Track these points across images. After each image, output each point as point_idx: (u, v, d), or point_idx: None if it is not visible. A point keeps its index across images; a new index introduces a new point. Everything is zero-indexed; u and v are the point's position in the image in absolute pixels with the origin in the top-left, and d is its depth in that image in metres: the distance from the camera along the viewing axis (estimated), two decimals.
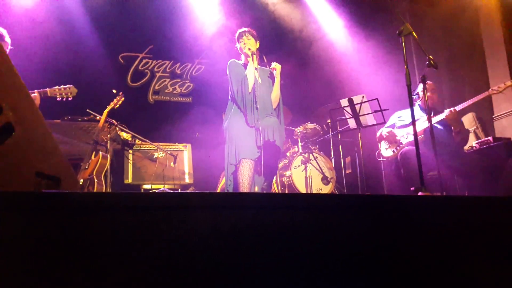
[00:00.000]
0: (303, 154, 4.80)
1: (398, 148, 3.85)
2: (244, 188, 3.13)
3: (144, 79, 5.99)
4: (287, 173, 4.75)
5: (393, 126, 4.00)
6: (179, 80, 6.15)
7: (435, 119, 3.64)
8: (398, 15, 3.00)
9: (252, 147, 3.20)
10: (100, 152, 3.97)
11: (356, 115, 3.82)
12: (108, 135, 4.17)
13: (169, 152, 4.72)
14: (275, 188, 4.64)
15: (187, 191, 4.86)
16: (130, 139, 4.44)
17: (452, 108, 3.60)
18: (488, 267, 1.35)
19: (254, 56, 3.35)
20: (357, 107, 3.78)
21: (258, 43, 3.47)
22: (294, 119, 5.44)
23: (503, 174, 3.18)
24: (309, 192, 4.61)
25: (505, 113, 4.67)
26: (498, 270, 1.36)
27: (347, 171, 5.55)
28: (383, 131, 4.00)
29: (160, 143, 4.84)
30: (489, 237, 1.39)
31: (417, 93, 3.82)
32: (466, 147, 3.97)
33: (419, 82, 3.35)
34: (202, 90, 6.01)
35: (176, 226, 1.09)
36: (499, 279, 1.35)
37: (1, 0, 4.66)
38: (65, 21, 5.20)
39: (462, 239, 1.37)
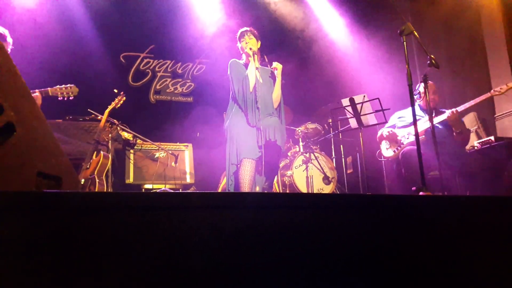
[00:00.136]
0: (304, 154, 4.79)
1: (399, 148, 3.84)
2: (245, 188, 3.13)
3: (145, 79, 5.99)
4: (288, 172, 4.75)
5: (393, 126, 3.99)
6: (180, 79, 6.16)
7: (436, 120, 3.64)
8: (399, 14, 3.00)
9: (253, 147, 3.20)
10: (102, 152, 3.97)
11: (357, 115, 3.81)
12: (110, 135, 4.17)
13: (170, 152, 4.72)
14: (276, 188, 4.64)
15: (188, 191, 4.86)
16: (131, 138, 4.44)
17: (454, 109, 3.59)
18: (489, 266, 1.35)
19: (256, 56, 3.35)
20: (358, 106, 3.78)
21: (259, 43, 3.47)
22: (295, 118, 5.43)
23: (504, 174, 3.17)
24: (310, 192, 4.61)
25: (506, 113, 4.66)
26: (499, 270, 1.36)
27: (348, 171, 5.55)
28: (384, 131, 4.00)
29: (161, 143, 4.85)
30: (491, 237, 1.39)
31: (419, 93, 3.82)
32: (467, 147, 3.97)
33: (420, 82, 3.35)
34: (203, 90, 6.01)
35: (177, 226, 1.09)
36: (500, 278, 1.34)
37: (3, 0, 4.66)
38: (66, 21, 5.21)
39: (463, 239, 1.37)
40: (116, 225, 1.05)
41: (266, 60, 3.43)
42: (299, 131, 5.02)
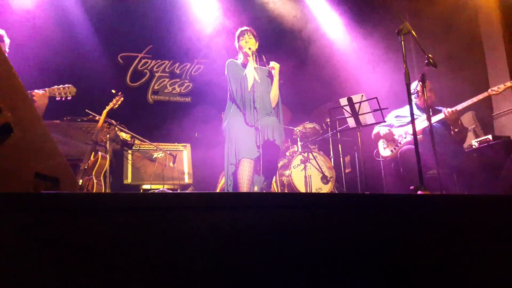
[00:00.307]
0: (303, 154, 4.80)
1: (396, 147, 3.85)
2: (244, 187, 3.13)
3: (143, 79, 5.98)
4: (287, 172, 4.75)
5: (390, 126, 3.99)
6: (178, 80, 6.15)
7: (434, 119, 3.64)
8: (397, 14, 3.00)
9: (251, 147, 3.20)
10: (99, 153, 3.96)
11: (355, 114, 3.81)
12: (107, 135, 4.16)
13: (168, 152, 4.71)
14: (275, 188, 4.64)
15: (187, 191, 4.86)
16: (129, 139, 4.43)
17: (452, 108, 3.59)
18: (488, 265, 1.35)
19: (254, 56, 3.35)
20: (357, 106, 3.78)
21: (257, 44, 3.48)
22: (293, 118, 5.43)
23: (502, 172, 3.18)
24: (308, 191, 4.61)
25: (504, 112, 4.67)
26: (498, 269, 1.36)
27: (347, 170, 5.55)
28: (381, 129, 4.00)
29: (160, 143, 4.84)
30: (489, 236, 1.39)
31: (416, 92, 3.82)
32: (465, 146, 3.97)
33: (419, 81, 3.35)
34: (201, 90, 6.00)
35: (175, 227, 1.09)
36: (499, 278, 1.35)
37: (0, 1, 4.65)
38: (63, 21, 5.19)
39: (461, 238, 1.37)
40: (114, 226, 1.05)
41: (264, 60, 3.43)
42: (297, 130, 5.02)
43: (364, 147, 3.94)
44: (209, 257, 1.09)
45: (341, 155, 5.21)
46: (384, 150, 3.99)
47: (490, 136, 3.84)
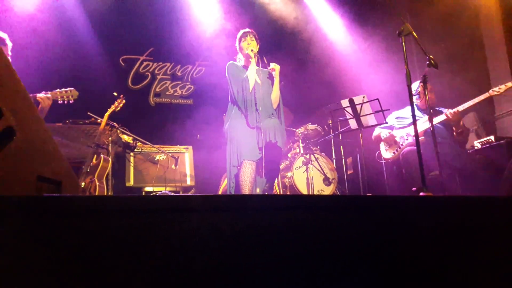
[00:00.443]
0: (305, 155, 4.79)
1: (398, 149, 3.84)
2: (246, 189, 3.12)
3: (145, 82, 5.99)
4: (289, 174, 4.75)
5: (391, 127, 3.99)
6: (180, 82, 6.16)
7: (436, 120, 3.63)
8: (398, 15, 3.00)
9: (253, 149, 3.20)
10: (102, 155, 3.97)
11: (357, 116, 3.81)
12: (110, 138, 4.17)
13: (170, 155, 4.72)
14: (277, 190, 4.63)
15: (189, 194, 4.86)
16: (131, 141, 4.44)
17: (454, 109, 3.58)
18: (490, 266, 1.35)
19: (256, 57, 3.36)
20: (358, 107, 3.77)
21: (258, 46, 3.48)
22: (295, 120, 5.43)
23: (505, 173, 3.17)
24: (310, 193, 4.60)
25: (507, 112, 4.66)
26: (500, 270, 1.35)
27: (349, 172, 5.54)
28: (382, 133, 3.99)
29: (161, 146, 4.85)
30: (491, 237, 1.39)
31: (418, 93, 3.82)
32: (467, 146, 3.96)
33: (420, 82, 3.35)
34: (203, 92, 6.01)
35: (177, 229, 1.09)
36: (500, 278, 1.34)
37: (2, 4, 4.67)
38: (65, 25, 5.22)
39: (463, 239, 1.37)
40: (116, 228, 1.05)
41: (266, 62, 3.43)
42: (299, 132, 5.02)
43: (366, 149, 3.94)
44: (211, 259, 1.09)
45: (343, 157, 5.20)
46: (386, 152, 3.99)
47: (492, 137, 3.83)
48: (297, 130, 5.04)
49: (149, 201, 1.11)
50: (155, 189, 4.78)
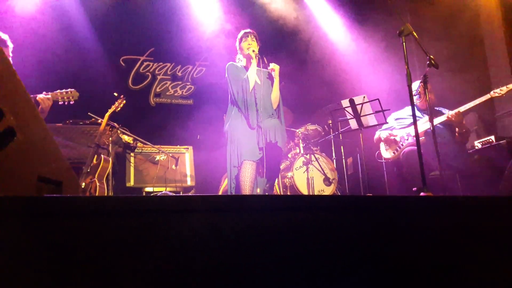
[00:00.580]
0: (305, 155, 4.79)
1: (398, 149, 3.84)
2: (246, 190, 3.13)
3: (145, 82, 6.00)
4: (289, 174, 4.75)
5: (391, 128, 3.99)
6: (180, 82, 6.16)
7: (437, 120, 3.63)
8: (398, 15, 3.00)
9: (254, 149, 3.20)
10: (102, 156, 3.97)
11: (357, 116, 3.81)
12: (110, 138, 4.17)
13: (170, 155, 4.72)
14: (277, 190, 4.63)
15: (189, 194, 4.86)
16: (131, 142, 4.44)
17: (456, 110, 3.57)
18: (491, 267, 1.35)
19: (257, 58, 3.36)
20: (358, 107, 3.77)
21: (258, 47, 3.49)
22: (295, 120, 5.43)
23: (505, 173, 3.17)
24: (310, 193, 4.60)
25: (507, 112, 4.66)
26: (500, 270, 1.35)
27: (349, 172, 5.54)
28: (382, 133, 3.99)
29: (162, 146, 4.85)
30: (492, 238, 1.39)
31: (418, 93, 3.82)
32: (468, 146, 3.96)
33: (420, 82, 3.35)
34: (203, 92, 6.01)
35: (178, 229, 1.09)
36: (501, 278, 1.34)
37: (3, 5, 4.68)
38: (66, 25, 5.22)
39: (464, 239, 1.37)
40: (117, 229, 1.05)
41: (266, 62, 3.44)
42: (299, 132, 5.02)
43: (366, 149, 3.94)
44: (211, 259, 1.09)
45: (343, 157, 5.20)
46: (386, 152, 3.99)
47: (492, 137, 3.82)
48: (297, 130, 5.04)
49: (149, 202, 1.11)
50: (156, 189, 4.78)
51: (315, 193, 4.63)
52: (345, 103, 3.86)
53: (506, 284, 1.33)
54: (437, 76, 4.41)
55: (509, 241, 1.38)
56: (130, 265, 1.03)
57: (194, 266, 1.08)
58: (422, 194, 2.45)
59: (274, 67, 3.43)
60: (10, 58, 2.87)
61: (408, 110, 3.99)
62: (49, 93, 3.14)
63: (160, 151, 4.74)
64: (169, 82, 6.11)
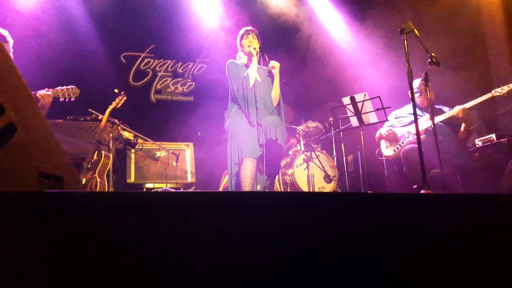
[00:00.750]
0: (305, 153, 4.79)
1: (399, 147, 3.84)
2: (246, 186, 3.13)
3: (146, 79, 5.99)
4: (289, 171, 4.75)
5: (391, 127, 3.99)
6: (181, 79, 6.16)
7: (439, 118, 3.62)
8: (399, 13, 2.99)
9: (254, 146, 3.21)
10: (103, 152, 3.98)
11: (358, 113, 3.81)
12: (110, 135, 4.18)
13: (171, 151, 4.72)
14: (278, 187, 4.64)
15: (189, 190, 4.86)
16: (132, 138, 4.44)
17: (462, 106, 3.55)
18: (491, 265, 1.35)
19: (258, 56, 3.36)
20: (359, 105, 3.77)
21: (259, 45, 3.48)
22: (296, 117, 5.43)
23: (506, 171, 3.16)
24: (311, 190, 4.61)
25: (508, 110, 4.65)
26: (501, 269, 1.35)
27: (349, 170, 5.55)
28: (382, 130, 3.99)
29: (162, 142, 4.85)
30: (493, 236, 1.39)
31: (419, 91, 3.81)
32: (468, 144, 3.96)
33: (422, 80, 3.34)
34: (204, 89, 6.01)
35: (178, 226, 1.09)
36: (501, 277, 1.34)
37: (4, 2, 4.67)
38: (66, 21, 5.21)
39: (464, 237, 1.37)
40: (117, 225, 1.05)
41: (267, 59, 3.43)
42: (300, 129, 5.02)
43: (367, 146, 3.94)
44: (210, 256, 1.10)
45: (344, 154, 5.20)
46: (387, 150, 3.99)
47: (493, 135, 3.82)
48: (298, 128, 5.04)
49: (149, 198, 1.11)
50: (156, 185, 4.79)
51: (316, 190, 4.64)
52: (346, 100, 3.85)
53: (506, 283, 1.33)
54: (438, 74, 4.40)
55: (509, 239, 1.38)
56: (130, 261, 1.03)
57: (194, 263, 1.08)
58: (422, 191, 2.45)
59: (275, 64, 3.43)
60: (10, 54, 2.87)
61: (408, 108, 3.99)
62: (50, 89, 3.14)
63: (161, 148, 4.74)
64: (169, 79, 6.10)
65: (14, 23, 4.56)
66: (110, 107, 4.14)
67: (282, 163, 4.83)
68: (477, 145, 3.92)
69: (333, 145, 5.27)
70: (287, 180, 4.78)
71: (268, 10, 5.86)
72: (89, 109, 4.18)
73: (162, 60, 6.07)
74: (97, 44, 5.41)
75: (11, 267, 0.94)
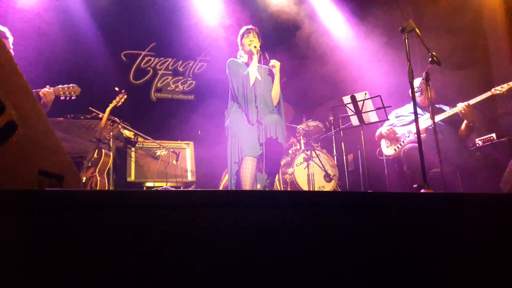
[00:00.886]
0: (306, 152, 4.79)
1: (399, 146, 3.84)
2: (247, 185, 3.13)
3: (146, 77, 5.99)
4: (290, 170, 4.75)
5: (392, 126, 3.98)
6: (181, 77, 6.16)
7: (440, 117, 3.62)
8: (401, 12, 2.98)
9: (254, 145, 3.21)
10: (103, 150, 3.98)
11: (358, 112, 3.80)
12: (111, 133, 4.18)
13: (171, 150, 4.72)
14: (277, 186, 4.64)
15: (190, 189, 4.87)
16: (132, 136, 4.45)
17: (466, 103, 3.55)
18: (491, 263, 1.35)
19: (259, 54, 3.35)
20: (360, 104, 3.77)
21: (259, 43, 3.48)
22: (296, 116, 5.43)
23: (506, 171, 3.16)
24: (311, 189, 4.61)
25: (509, 109, 4.64)
26: (501, 268, 1.35)
27: (350, 169, 5.55)
28: (383, 129, 3.99)
29: (163, 141, 4.85)
30: (493, 235, 1.39)
31: (420, 90, 3.80)
32: (469, 144, 3.95)
33: (422, 79, 3.33)
34: (204, 88, 6.01)
35: (178, 224, 1.09)
36: (502, 276, 1.34)
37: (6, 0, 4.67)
38: (67, 20, 5.21)
39: (464, 236, 1.37)
40: (117, 223, 1.05)
41: (268, 58, 3.43)
42: (300, 128, 5.01)
43: (367, 146, 3.93)
44: (210, 255, 1.10)
45: (344, 153, 5.20)
46: (387, 149, 3.98)
47: (494, 135, 3.81)
48: (298, 127, 5.04)
49: (150, 196, 1.11)
50: (156, 184, 4.79)
51: (316, 190, 4.64)
52: (347, 99, 3.85)
53: (507, 282, 1.33)
54: (438, 72, 4.39)
55: (509, 238, 1.38)
56: (130, 259, 1.03)
57: (194, 261, 1.08)
58: (422, 191, 2.45)
59: (275, 63, 3.43)
60: (11, 51, 2.87)
61: (408, 107, 3.98)
62: (51, 88, 3.14)
63: (161, 146, 4.74)
64: (170, 77, 6.10)
65: (15, 21, 4.55)
66: (111, 106, 4.14)
67: (282, 162, 4.83)
68: (477, 145, 3.92)
69: (333, 144, 5.27)
70: (287, 179, 4.78)
71: (269, 9, 5.85)
72: (90, 108, 4.18)
73: (162, 58, 6.07)
74: (98, 42, 5.41)
75: (11, 264, 0.94)
